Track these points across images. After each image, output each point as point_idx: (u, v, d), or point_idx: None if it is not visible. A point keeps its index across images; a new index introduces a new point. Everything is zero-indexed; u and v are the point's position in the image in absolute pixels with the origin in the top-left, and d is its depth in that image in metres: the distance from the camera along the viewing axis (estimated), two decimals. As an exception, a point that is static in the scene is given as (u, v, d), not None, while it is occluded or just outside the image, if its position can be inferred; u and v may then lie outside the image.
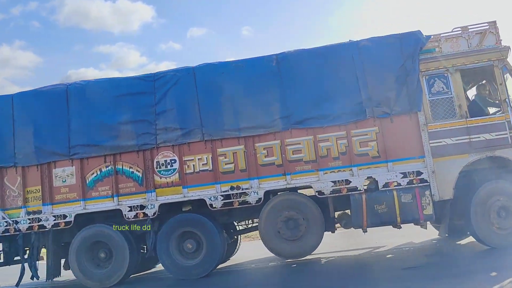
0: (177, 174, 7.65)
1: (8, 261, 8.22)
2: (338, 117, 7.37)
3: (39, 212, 7.82)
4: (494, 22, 7.43)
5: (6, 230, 7.83)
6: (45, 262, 8.05)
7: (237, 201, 7.45)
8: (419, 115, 7.24)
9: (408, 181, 7.17)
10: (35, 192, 7.90)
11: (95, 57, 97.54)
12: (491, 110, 7.81)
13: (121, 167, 7.78)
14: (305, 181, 7.41)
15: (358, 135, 7.37)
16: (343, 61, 7.48)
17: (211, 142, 7.61)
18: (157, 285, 8.05)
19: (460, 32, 7.48)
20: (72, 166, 7.87)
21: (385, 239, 9.18)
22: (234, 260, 9.40)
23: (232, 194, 7.47)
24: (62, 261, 8.25)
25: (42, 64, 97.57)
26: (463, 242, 8.38)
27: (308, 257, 7.86)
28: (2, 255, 8.20)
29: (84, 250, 7.67)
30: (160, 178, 7.69)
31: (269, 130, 7.50)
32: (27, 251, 8.06)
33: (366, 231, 7.52)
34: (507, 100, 7.16)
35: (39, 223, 7.77)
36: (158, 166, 7.70)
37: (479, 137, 7.09)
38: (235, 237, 9.23)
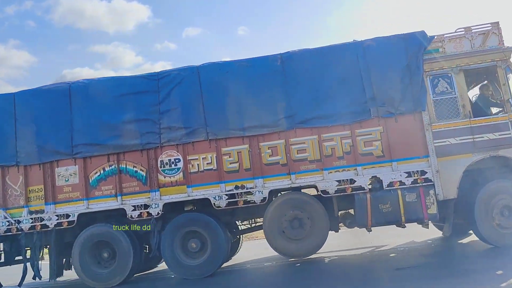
0: (181, 173, 7.63)
1: (9, 261, 8.15)
2: (342, 116, 7.39)
3: (42, 211, 7.76)
4: (497, 23, 7.50)
5: (8, 230, 7.76)
6: (46, 262, 8.00)
7: (242, 200, 7.44)
8: (423, 115, 7.28)
9: (412, 180, 7.21)
10: (37, 192, 7.84)
11: (91, 57, 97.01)
12: (494, 110, 7.86)
13: (124, 166, 7.74)
14: (309, 180, 7.42)
15: (363, 134, 7.40)
16: (348, 60, 7.50)
17: (215, 141, 7.59)
18: (160, 284, 8.02)
19: (463, 32, 7.54)
20: (75, 165, 7.82)
21: (386, 238, 9.20)
22: (235, 259, 9.39)
23: (237, 193, 7.47)
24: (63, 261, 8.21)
25: (37, 63, 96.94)
26: (464, 241, 8.45)
27: (312, 256, 7.87)
28: (3, 255, 8.13)
29: (87, 249, 7.63)
30: (164, 177, 7.66)
31: (274, 130, 7.50)
32: (28, 251, 8.00)
33: (371, 231, 7.54)
34: (510, 100, 7.22)
35: (42, 223, 7.71)
36: (162, 165, 7.67)
37: (482, 137, 7.15)
38: (237, 236, 9.22)
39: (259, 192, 7.41)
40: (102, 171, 7.77)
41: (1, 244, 8.11)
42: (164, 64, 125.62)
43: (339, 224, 8.06)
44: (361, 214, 7.25)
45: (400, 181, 7.22)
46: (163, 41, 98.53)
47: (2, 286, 7.95)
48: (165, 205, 7.60)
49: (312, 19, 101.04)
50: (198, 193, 7.57)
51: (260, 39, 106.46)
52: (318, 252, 7.80)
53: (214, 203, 7.45)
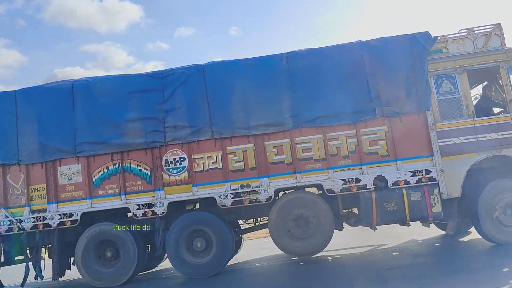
0: (186, 172, 7.60)
1: (9, 261, 8.03)
2: (348, 116, 7.44)
3: (44, 210, 7.67)
4: (499, 24, 7.63)
5: (10, 229, 7.66)
6: (45, 261, 7.91)
7: (247, 199, 7.44)
8: (427, 115, 7.37)
9: (417, 179, 7.29)
10: (39, 190, 7.75)
11: (82, 56, 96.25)
12: (495, 110, 7.99)
13: (128, 165, 7.69)
14: (315, 179, 7.45)
15: (368, 134, 7.45)
16: (353, 60, 7.55)
17: (220, 140, 7.58)
18: (164, 284, 7.95)
19: (466, 33, 7.66)
20: (78, 163, 7.75)
21: (387, 237, 9.27)
22: (237, 258, 9.37)
23: (242, 192, 7.46)
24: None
25: (27, 63, 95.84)
26: (465, 239, 8.56)
27: (316, 255, 7.89)
28: (2, 254, 8.00)
29: (91, 249, 7.55)
30: (169, 176, 7.62)
31: (279, 129, 7.52)
32: (28, 251, 7.90)
33: (376, 229, 7.59)
34: (512, 100, 7.33)
35: (44, 222, 7.62)
36: (167, 164, 7.63)
37: (486, 137, 7.25)
38: (239, 236, 9.21)
39: (264, 191, 7.42)
40: (105, 170, 7.70)
41: (1, 243, 7.97)
42: (156, 64, 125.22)
43: (343, 223, 8.12)
44: (366, 212, 7.29)
45: (405, 180, 7.29)
46: (155, 41, 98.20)
47: (3, 286, 7.82)
48: (169, 204, 7.56)
49: (306, 20, 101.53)
50: (203, 192, 7.55)
51: (252, 40, 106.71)
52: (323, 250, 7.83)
53: (219, 202, 7.43)
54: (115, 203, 7.62)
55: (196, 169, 7.59)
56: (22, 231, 7.62)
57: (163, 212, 7.49)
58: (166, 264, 9.33)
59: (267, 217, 8.05)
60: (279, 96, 7.57)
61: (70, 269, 8.24)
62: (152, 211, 7.51)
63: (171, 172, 7.63)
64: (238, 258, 9.38)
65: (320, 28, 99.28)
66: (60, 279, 7.89)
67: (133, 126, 7.66)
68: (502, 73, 7.48)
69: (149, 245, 8.19)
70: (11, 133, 7.79)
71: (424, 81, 7.37)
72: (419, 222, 7.75)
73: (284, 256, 8.61)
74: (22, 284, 7.59)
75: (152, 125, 7.64)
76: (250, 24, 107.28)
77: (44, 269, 7.71)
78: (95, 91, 7.84)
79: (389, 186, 7.30)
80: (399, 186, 7.28)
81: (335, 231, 7.80)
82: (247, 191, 7.46)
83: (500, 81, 7.77)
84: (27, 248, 7.81)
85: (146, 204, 7.54)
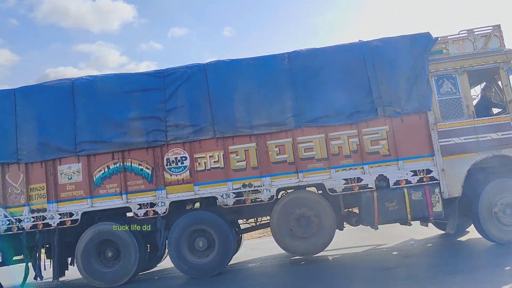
0: (188, 171, 7.57)
1: (7, 261, 7.93)
2: (349, 115, 7.47)
3: (44, 210, 7.60)
4: (499, 25, 7.72)
5: (9, 229, 7.56)
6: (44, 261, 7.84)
7: (249, 198, 7.43)
8: (428, 115, 7.43)
9: (418, 179, 7.34)
10: (39, 190, 7.67)
11: (74, 56, 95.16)
12: (494, 110, 8.08)
13: (129, 164, 7.64)
14: (317, 178, 7.47)
15: (369, 133, 7.49)
16: (355, 60, 7.59)
17: (222, 139, 7.56)
18: (163, 284, 7.91)
19: (466, 34, 7.73)
20: (78, 162, 7.68)
21: (386, 236, 9.31)
22: (236, 258, 9.33)
23: (244, 191, 7.45)
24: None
25: (19, 62, 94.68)
26: (463, 238, 8.63)
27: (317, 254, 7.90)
28: (0, 255, 7.91)
29: (92, 248, 7.50)
30: (170, 175, 7.59)
31: (281, 128, 7.52)
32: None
33: (377, 228, 7.62)
34: (512, 101, 7.41)
35: (44, 221, 7.55)
36: (168, 163, 7.60)
37: (486, 137, 7.33)
38: (239, 235, 9.19)
39: (267, 190, 7.42)
40: (106, 169, 7.65)
41: (-1, 243, 7.89)
42: (149, 64, 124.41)
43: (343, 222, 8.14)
44: (368, 212, 7.33)
45: (406, 180, 7.34)
46: (148, 41, 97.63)
47: (2, 286, 7.72)
48: (170, 203, 7.53)
49: (305, 20, 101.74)
50: (205, 191, 7.52)
51: (245, 41, 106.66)
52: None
53: (221, 202, 7.41)
54: (116, 202, 7.56)
55: (198, 169, 7.56)
56: (21, 231, 7.53)
57: (164, 212, 7.45)
58: (164, 264, 9.29)
59: (268, 217, 8.10)
60: (281, 95, 7.58)
61: (68, 269, 8.16)
62: (153, 210, 7.47)
63: (172, 172, 7.59)
64: (235, 258, 9.35)
65: (320, 28, 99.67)
66: (60, 279, 7.80)
67: (134, 125, 7.61)
68: (501, 74, 7.57)
69: (148, 245, 8.15)
70: (10, 132, 7.70)
71: (425, 82, 7.43)
72: (417, 221, 7.82)
73: (282, 256, 8.64)
74: (22, 285, 7.51)
75: (154, 124, 7.60)
76: (243, 25, 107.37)
77: (44, 269, 7.62)
78: (95, 90, 7.79)
79: (390, 185, 7.35)
80: (400, 186, 7.33)
81: (336, 230, 7.83)
82: (249, 191, 7.45)
83: (499, 82, 7.87)
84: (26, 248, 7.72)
85: (147, 203, 7.50)
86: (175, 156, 7.62)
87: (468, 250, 7.84)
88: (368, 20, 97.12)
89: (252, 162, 7.54)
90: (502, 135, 7.33)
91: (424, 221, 7.69)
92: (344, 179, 7.40)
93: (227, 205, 7.43)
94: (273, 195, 7.40)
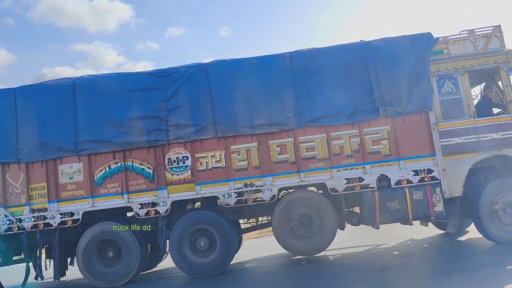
0: (190, 171, 7.56)
1: (6, 262, 7.88)
2: (351, 115, 7.48)
3: (45, 209, 7.56)
4: (499, 26, 7.76)
5: (9, 229, 7.52)
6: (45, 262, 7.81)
7: (251, 198, 7.44)
8: (430, 115, 7.46)
9: (419, 178, 7.37)
10: (39, 189, 7.63)
11: (71, 56, 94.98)
12: (494, 110, 8.12)
13: (131, 163, 7.62)
14: (318, 178, 7.48)
15: (371, 133, 7.51)
16: (356, 60, 7.60)
17: (224, 139, 7.56)
18: (164, 284, 7.90)
19: (466, 35, 7.76)
20: (79, 162, 7.65)
21: (386, 236, 9.33)
22: (234, 258, 9.30)
23: (246, 191, 7.45)
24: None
25: (16, 62, 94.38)
26: (462, 238, 8.67)
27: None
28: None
29: (93, 248, 7.47)
30: (172, 175, 7.58)
31: (283, 128, 7.53)
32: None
33: (379, 228, 7.64)
34: (513, 101, 7.45)
35: (45, 221, 7.51)
36: (170, 163, 7.59)
37: (486, 137, 7.37)
38: (240, 235, 9.19)
39: (268, 190, 7.42)
40: (107, 169, 7.62)
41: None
42: (146, 64, 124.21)
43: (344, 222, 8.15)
44: (369, 211, 7.35)
45: (408, 179, 7.37)
46: (145, 41, 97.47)
47: (3, 286, 7.68)
48: (171, 203, 7.52)
49: (297, 21, 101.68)
50: (206, 191, 7.52)
51: (242, 41, 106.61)
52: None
53: (223, 201, 7.41)
54: (117, 202, 7.54)
55: (200, 168, 7.55)
56: (22, 231, 7.49)
57: (166, 211, 7.44)
58: (164, 264, 9.27)
59: (268, 217, 8.11)
60: (282, 95, 7.59)
61: (67, 269, 8.12)
62: (155, 210, 7.46)
63: (174, 171, 7.58)
64: (234, 258, 9.34)
65: (317, 28, 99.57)
66: (61, 279, 7.77)
67: (135, 124, 7.59)
68: (502, 74, 7.61)
69: (149, 245, 8.13)
70: (10, 131, 7.66)
71: (427, 82, 7.46)
72: (417, 221, 7.84)
73: (281, 256, 8.65)
74: (23, 284, 7.48)
75: (155, 124, 7.59)
76: (240, 25, 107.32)
77: (46, 269, 7.60)
78: (96, 89, 7.76)
79: (392, 185, 7.37)
80: (401, 185, 7.35)
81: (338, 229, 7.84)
82: (251, 190, 7.45)
83: (499, 82, 7.91)
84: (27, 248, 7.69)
85: (149, 203, 7.48)
86: (177, 155, 7.61)
87: (468, 249, 7.87)
88: (365, 20, 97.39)
89: (253, 161, 7.54)
90: (502, 135, 7.37)
91: (425, 220, 7.72)
92: (345, 179, 7.42)
93: (229, 204, 7.42)
94: (275, 195, 7.40)
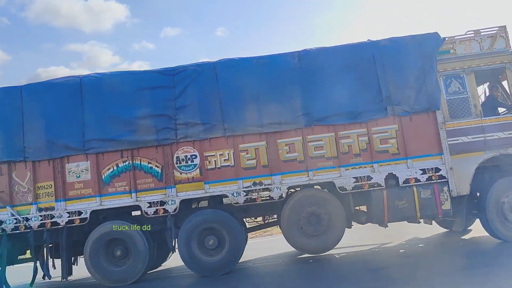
0: (198, 169, 7.55)
1: (12, 261, 7.81)
2: (359, 114, 7.53)
3: (52, 208, 7.50)
4: (504, 26, 7.85)
5: (16, 228, 7.46)
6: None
7: (260, 197, 7.45)
8: (437, 114, 7.53)
9: (427, 177, 7.43)
10: (46, 188, 7.57)
11: (66, 56, 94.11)
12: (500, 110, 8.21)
13: (139, 162, 7.59)
14: (327, 177, 7.51)
15: (379, 132, 7.55)
16: (364, 59, 7.65)
17: (232, 137, 7.56)
18: (169, 284, 7.86)
19: (472, 35, 7.84)
20: (86, 161, 7.60)
21: (391, 235, 9.38)
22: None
23: (255, 190, 7.46)
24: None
25: (10, 61, 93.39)
26: (466, 237, 8.73)
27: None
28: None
29: (100, 247, 7.42)
30: (180, 173, 7.56)
31: (292, 127, 7.55)
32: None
33: (387, 226, 7.69)
34: (519, 100, 7.55)
35: (52, 220, 7.46)
36: (178, 162, 7.57)
37: (493, 136, 7.44)
38: (246, 234, 9.17)
39: (277, 188, 7.44)
40: (115, 167, 7.59)
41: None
42: (142, 64, 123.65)
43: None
44: (378, 210, 7.39)
45: (415, 178, 7.43)
46: (141, 41, 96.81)
47: (10, 286, 7.60)
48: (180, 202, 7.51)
49: (297, 21, 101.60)
50: (215, 190, 7.51)
51: (238, 41, 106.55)
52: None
53: (232, 200, 7.41)
54: (125, 200, 7.51)
55: (208, 167, 7.55)
56: (28, 230, 7.43)
57: (175, 210, 7.42)
58: (169, 263, 9.23)
59: (276, 215, 8.13)
60: (291, 94, 7.60)
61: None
62: (163, 208, 7.44)
63: (182, 170, 7.57)
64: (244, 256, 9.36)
65: (317, 28, 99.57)
66: (69, 278, 7.72)
67: (143, 123, 7.56)
68: (508, 74, 7.71)
69: (156, 244, 8.09)
70: (17, 129, 7.58)
71: (434, 81, 7.52)
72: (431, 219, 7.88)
73: (285, 255, 8.68)
74: (31, 284, 7.42)
75: (163, 122, 7.57)
76: (237, 25, 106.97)
77: (54, 268, 7.54)
78: (104, 87, 7.71)
79: (400, 184, 7.42)
80: (409, 184, 7.41)
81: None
82: (259, 189, 7.46)
83: (503, 82, 8.00)
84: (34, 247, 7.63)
85: (157, 202, 7.46)
86: (185, 154, 7.59)
87: (472, 248, 7.88)
88: (366, 21, 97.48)
89: (262, 160, 7.55)
90: (509, 134, 7.47)
91: (433, 219, 7.78)
92: (354, 178, 7.46)
93: (238, 203, 7.42)
94: (283, 194, 7.42)
